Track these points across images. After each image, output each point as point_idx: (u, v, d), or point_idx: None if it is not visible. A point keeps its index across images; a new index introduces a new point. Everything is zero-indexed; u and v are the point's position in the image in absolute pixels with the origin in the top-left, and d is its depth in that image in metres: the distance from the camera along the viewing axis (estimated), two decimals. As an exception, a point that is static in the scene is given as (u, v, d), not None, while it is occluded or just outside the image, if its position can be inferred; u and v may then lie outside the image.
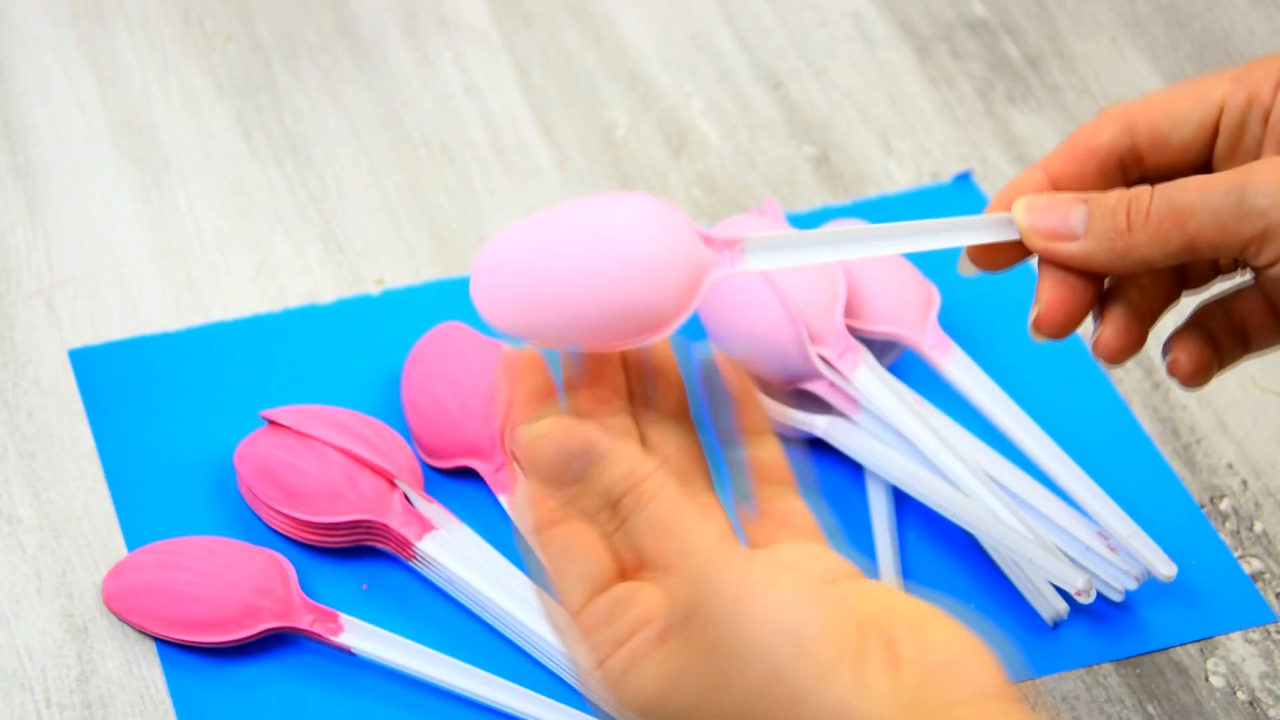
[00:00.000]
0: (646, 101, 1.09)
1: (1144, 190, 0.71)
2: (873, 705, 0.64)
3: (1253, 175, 0.70)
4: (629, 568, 0.70)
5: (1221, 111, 0.73)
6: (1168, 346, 0.77)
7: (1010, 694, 0.65)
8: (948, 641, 0.66)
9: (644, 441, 0.72)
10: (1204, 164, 0.74)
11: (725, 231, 0.93)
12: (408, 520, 0.88)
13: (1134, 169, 0.74)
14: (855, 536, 0.91)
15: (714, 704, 0.68)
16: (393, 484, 0.88)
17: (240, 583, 0.85)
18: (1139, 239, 0.71)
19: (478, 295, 0.69)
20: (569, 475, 0.68)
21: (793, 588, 0.66)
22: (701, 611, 0.66)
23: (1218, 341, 0.77)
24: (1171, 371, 0.76)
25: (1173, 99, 0.74)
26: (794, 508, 0.72)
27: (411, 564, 0.88)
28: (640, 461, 0.68)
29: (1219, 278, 0.77)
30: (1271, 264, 0.70)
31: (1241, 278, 0.76)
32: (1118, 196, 0.72)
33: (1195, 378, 0.76)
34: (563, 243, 0.68)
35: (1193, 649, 0.89)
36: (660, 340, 0.70)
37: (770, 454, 0.72)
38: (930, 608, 0.68)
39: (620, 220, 0.68)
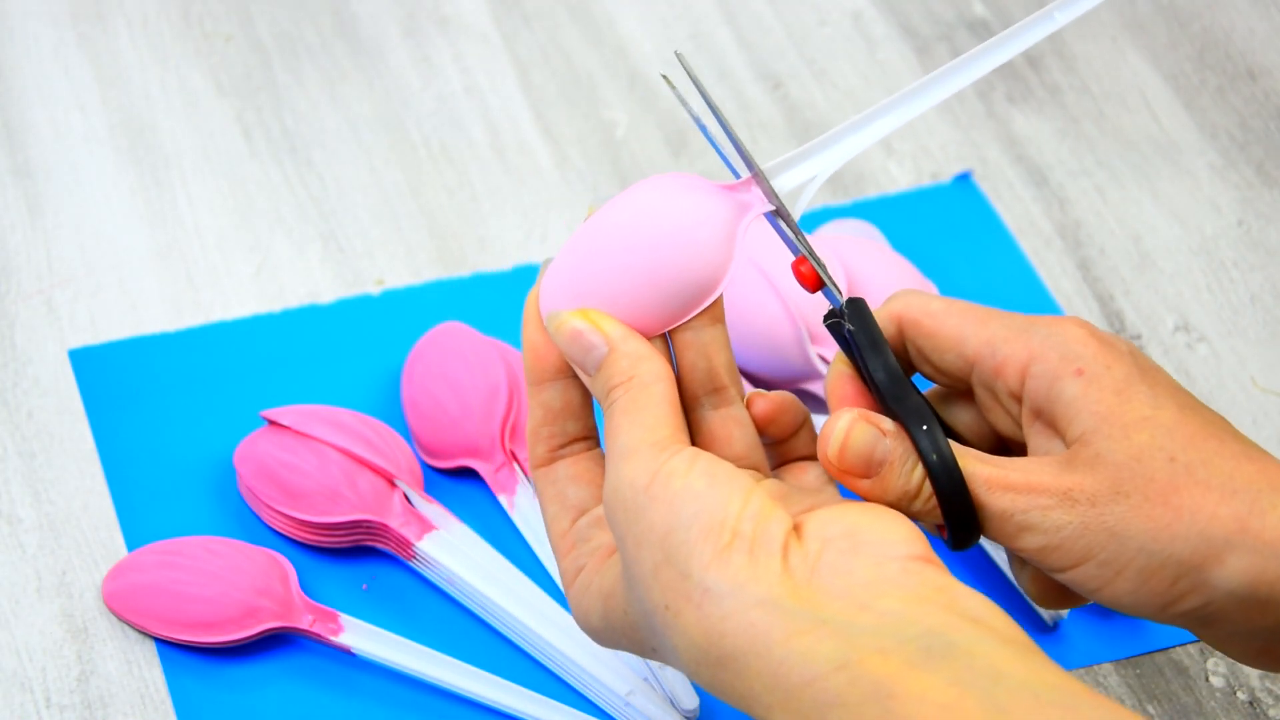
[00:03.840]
0: (646, 101, 1.09)
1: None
2: (761, 586, 0.64)
3: (1035, 492, 0.69)
4: None
5: (975, 363, 0.73)
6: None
7: (920, 553, 0.65)
8: (853, 514, 0.66)
9: (683, 346, 0.72)
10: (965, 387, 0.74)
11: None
12: (408, 520, 0.88)
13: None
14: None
15: (627, 603, 0.68)
16: (393, 484, 0.88)
17: (240, 583, 0.85)
18: (918, 508, 0.70)
19: (547, 281, 0.72)
20: (586, 364, 0.70)
21: (703, 475, 0.66)
22: (613, 510, 0.67)
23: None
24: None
25: (956, 320, 0.73)
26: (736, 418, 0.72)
27: (411, 564, 0.88)
28: (641, 358, 0.69)
29: None
30: (1047, 566, 0.70)
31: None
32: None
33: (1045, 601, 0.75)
34: (608, 253, 0.70)
35: (1193, 649, 0.89)
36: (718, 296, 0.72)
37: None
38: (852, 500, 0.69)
39: (651, 215, 0.70)
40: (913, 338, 0.74)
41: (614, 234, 0.70)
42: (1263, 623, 0.68)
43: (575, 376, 0.72)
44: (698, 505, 0.65)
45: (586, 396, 0.72)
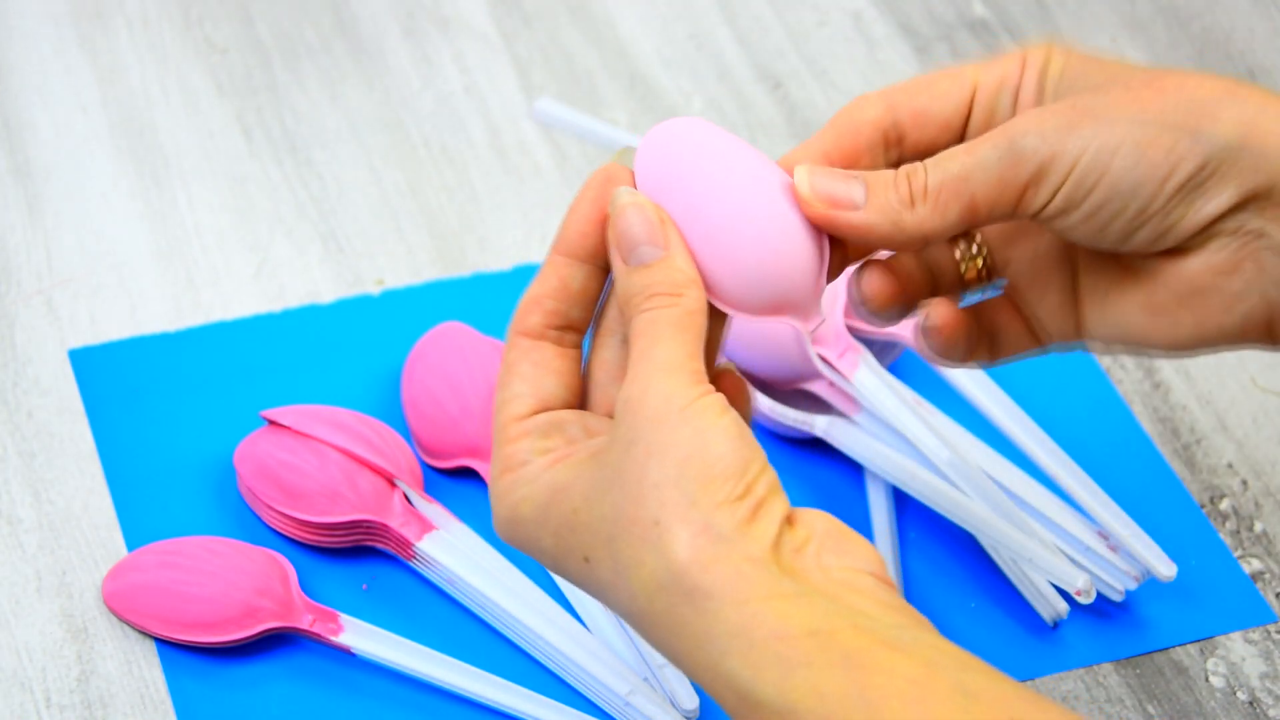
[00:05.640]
0: (646, 102, 1.09)
1: (918, 165, 0.71)
2: (756, 546, 0.64)
3: (1015, 125, 0.71)
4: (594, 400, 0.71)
5: (975, 90, 0.74)
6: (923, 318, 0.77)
7: (887, 576, 0.66)
8: (835, 521, 0.67)
9: None
10: (960, 140, 0.74)
11: None
12: (408, 520, 0.88)
13: (894, 148, 0.74)
14: (855, 536, 0.91)
15: (587, 502, 0.67)
16: (393, 484, 0.89)
17: (240, 583, 0.85)
18: (920, 212, 0.71)
19: (643, 160, 0.70)
20: (634, 257, 0.69)
21: (735, 424, 0.66)
22: (634, 412, 0.66)
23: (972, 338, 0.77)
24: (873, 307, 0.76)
25: (931, 80, 0.74)
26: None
27: (411, 564, 0.88)
28: (694, 283, 0.69)
29: (966, 291, 0.77)
30: (1048, 203, 0.71)
31: (988, 293, 0.76)
32: (895, 171, 0.71)
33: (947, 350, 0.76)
34: (737, 193, 0.70)
35: (1193, 649, 0.89)
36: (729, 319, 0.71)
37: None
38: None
39: (794, 217, 0.70)
40: (906, 108, 0.75)
41: (758, 207, 0.69)
42: (1255, 182, 0.70)
43: (606, 269, 0.71)
44: (728, 447, 0.65)
45: (602, 291, 0.71)
